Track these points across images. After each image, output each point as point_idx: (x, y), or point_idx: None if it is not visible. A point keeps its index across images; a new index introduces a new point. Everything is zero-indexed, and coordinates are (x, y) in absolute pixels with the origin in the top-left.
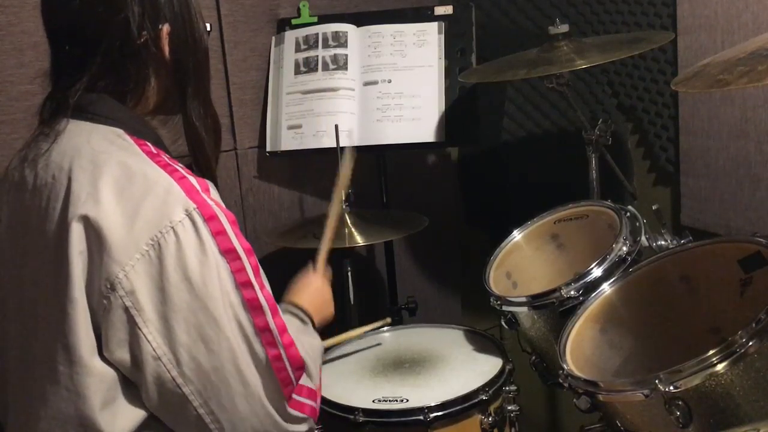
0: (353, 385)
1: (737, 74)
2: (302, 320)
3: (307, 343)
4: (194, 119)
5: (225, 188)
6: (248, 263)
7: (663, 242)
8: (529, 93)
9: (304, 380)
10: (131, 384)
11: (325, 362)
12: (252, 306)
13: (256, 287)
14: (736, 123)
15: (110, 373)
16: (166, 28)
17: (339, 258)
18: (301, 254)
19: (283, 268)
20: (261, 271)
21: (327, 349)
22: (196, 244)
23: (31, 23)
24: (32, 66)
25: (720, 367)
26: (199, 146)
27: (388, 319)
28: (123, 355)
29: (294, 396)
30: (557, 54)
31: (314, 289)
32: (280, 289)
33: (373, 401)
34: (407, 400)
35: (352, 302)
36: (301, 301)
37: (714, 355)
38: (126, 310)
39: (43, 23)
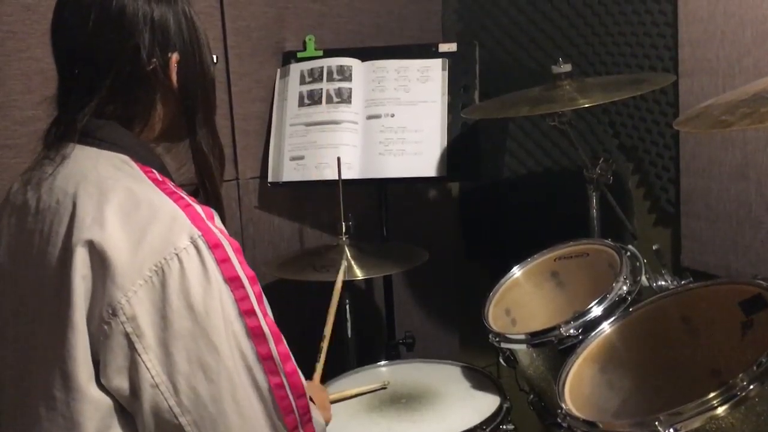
0: (348, 421)
1: (739, 115)
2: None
3: (316, 416)
4: (204, 147)
5: (225, 217)
6: (252, 291)
7: (663, 282)
8: (530, 130)
9: None
10: (127, 413)
11: None
12: (255, 334)
13: (260, 315)
14: (737, 165)
15: (106, 401)
16: (175, 57)
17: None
18: (300, 285)
19: (281, 299)
20: (264, 299)
21: None
22: (200, 271)
23: (40, 50)
24: (39, 92)
25: (721, 410)
26: (209, 174)
27: (387, 383)
28: (121, 382)
29: None
30: (559, 93)
31: (312, 389)
32: (279, 321)
33: None
34: None
35: (349, 336)
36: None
37: (715, 397)
38: (126, 336)
39: (53, 47)
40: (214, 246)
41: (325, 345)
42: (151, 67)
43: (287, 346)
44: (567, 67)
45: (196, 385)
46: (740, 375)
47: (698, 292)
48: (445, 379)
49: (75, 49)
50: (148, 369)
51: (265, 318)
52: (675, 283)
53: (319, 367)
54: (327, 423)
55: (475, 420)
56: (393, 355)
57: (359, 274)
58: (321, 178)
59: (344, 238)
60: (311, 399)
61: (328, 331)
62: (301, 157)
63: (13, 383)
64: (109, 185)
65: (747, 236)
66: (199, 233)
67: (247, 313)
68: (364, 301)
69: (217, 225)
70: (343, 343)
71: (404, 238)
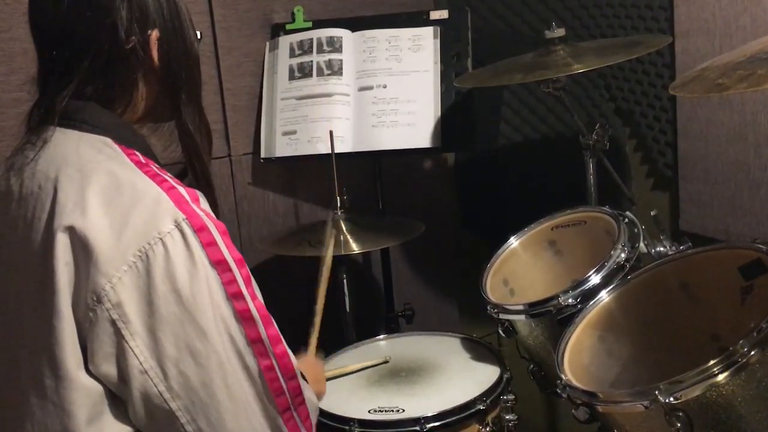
0: (348, 395)
1: (736, 78)
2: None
3: (309, 395)
4: (190, 126)
5: (219, 195)
6: (239, 274)
7: (662, 248)
8: (525, 97)
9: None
10: (118, 399)
11: None
12: (244, 317)
13: (248, 298)
14: (735, 127)
15: (96, 387)
16: (155, 34)
17: (334, 265)
18: (296, 262)
19: (278, 276)
20: (253, 281)
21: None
22: (186, 255)
23: (21, 30)
24: (22, 73)
25: (721, 377)
26: (196, 153)
27: (388, 357)
28: (109, 369)
29: (294, 415)
30: (554, 58)
31: (307, 363)
32: (275, 297)
33: (369, 411)
34: (403, 410)
35: (347, 310)
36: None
37: (715, 365)
38: (113, 323)
39: (30, 29)
40: (199, 229)
41: (317, 319)
42: (130, 45)
43: (277, 328)
44: (560, 32)
45: (186, 370)
46: (740, 341)
47: (697, 257)
48: (445, 351)
49: (51, 30)
50: (136, 355)
51: (254, 301)
52: (674, 248)
53: (314, 339)
54: (321, 396)
55: (476, 391)
56: (392, 328)
57: (356, 248)
58: (314, 152)
59: (339, 213)
60: (303, 376)
61: (320, 306)
62: (294, 132)
63: (3, 371)
64: (90, 169)
65: (746, 199)
66: (184, 216)
67: (234, 297)
68: (361, 275)
69: (202, 207)
70: (341, 318)
71: (400, 211)
